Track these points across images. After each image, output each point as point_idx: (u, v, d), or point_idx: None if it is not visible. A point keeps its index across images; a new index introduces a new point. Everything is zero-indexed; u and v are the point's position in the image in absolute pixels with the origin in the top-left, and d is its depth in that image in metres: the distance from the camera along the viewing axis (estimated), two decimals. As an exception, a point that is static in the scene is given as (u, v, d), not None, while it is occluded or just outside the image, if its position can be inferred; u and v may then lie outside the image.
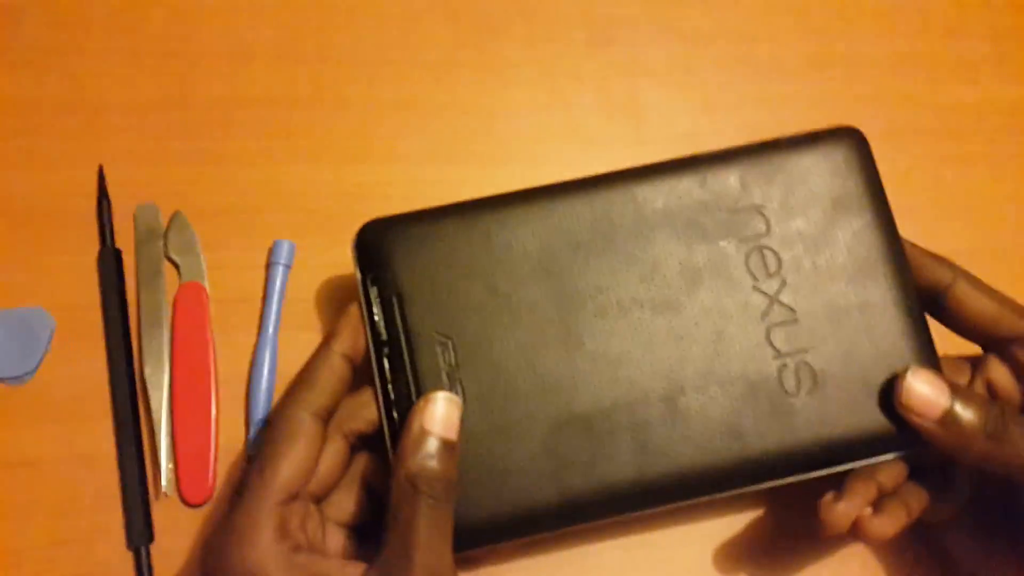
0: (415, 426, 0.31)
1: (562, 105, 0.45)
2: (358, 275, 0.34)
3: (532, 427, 0.33)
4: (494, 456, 0.33)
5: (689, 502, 0.34)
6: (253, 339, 0.40)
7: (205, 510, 0.38)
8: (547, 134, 0.45)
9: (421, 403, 0.32)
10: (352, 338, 0.34)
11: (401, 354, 0.33)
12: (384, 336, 0.34)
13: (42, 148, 0.42)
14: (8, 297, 0.40)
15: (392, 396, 0.33)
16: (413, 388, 0.33)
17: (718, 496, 0.34)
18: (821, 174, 0.36)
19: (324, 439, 0.32)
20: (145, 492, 0.38)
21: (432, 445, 0.31)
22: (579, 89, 0.45)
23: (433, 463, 0.31)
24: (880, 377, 0.34)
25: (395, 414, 0.33)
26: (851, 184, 0.36)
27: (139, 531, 0.37)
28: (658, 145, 0.45)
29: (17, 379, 0.39)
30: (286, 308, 0.41)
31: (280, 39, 0.45)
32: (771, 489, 0.34)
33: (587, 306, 0.34)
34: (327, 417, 0.33)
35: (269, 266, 0.41)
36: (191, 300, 0.40)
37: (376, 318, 0.34)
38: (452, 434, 0.32)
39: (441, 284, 0.34)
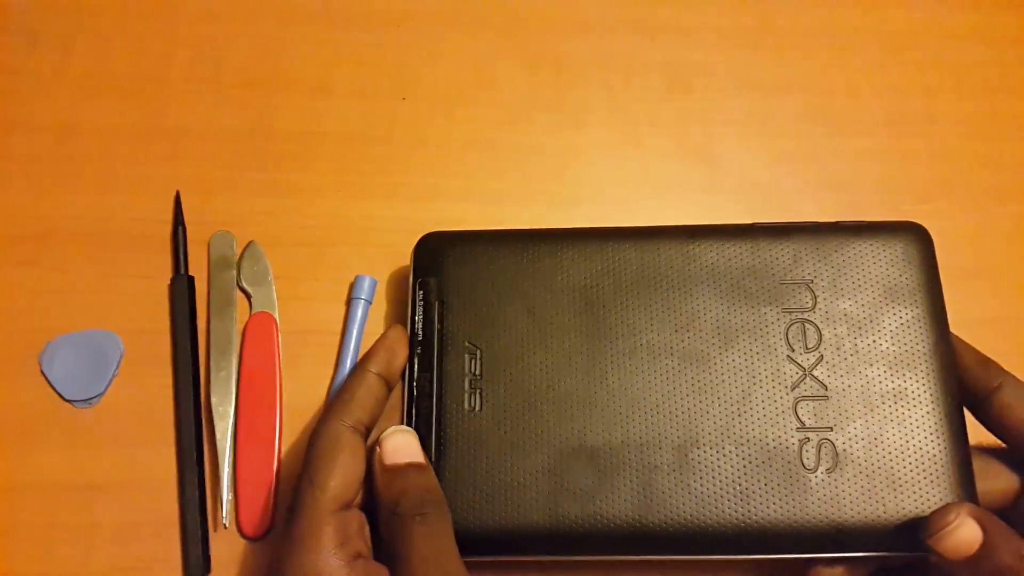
0: (377, 467, 0.32)
1: (636, 150, 0.45)
2: (411, 278, 0.37)
3: (541, 447, 0.34)
4: (497, 469, 0.34)
5: (681, 557, 0.34)
6: (321, 371, 0.40)
7: (264, 543, 0.37)
8: (620, 178, 0.44)
9: (378, 449, 0.33)
10: (386, 359, 0.35)
11: (432, 355, 0.35)
12: (420, 336, 0.36)
13: (122, 173, 0.43)
14: (80, 319, 0.40)
15: (415, 393, 0.35)
16: (435, 387, 0.35)
17: (712, 558, 0.34)
18: (878, 262, 0.36)
19: (364, 451, 0.33)
20: (204, 522, 0.37)
21: (402, 473, 0.32)
22: (654, 134, 0.45)
23: (410, 486, 0.32)
24: (906, 470, 0.33)
25: (414, 409, 0.35)
26: (907, 276, 0.36)
27: (196, 562, 0.37)
28: (731, 194, 0.44)
29: (85, 402, 0.39)
30: (356, 343, 0.41)
31: (360, 76, 0.45)
32: (766, 562, 0.34)
33: (618, 344, 0.35)
34: (364, 432, 0.34)
35: (350, 300, 0.41)
36: (261, 330, 0.40)
37: (417, 318, 0.36)
38: (418, 458, 0.33)
39: (482, 299, 0.36)
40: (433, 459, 0.34)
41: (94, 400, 0.39)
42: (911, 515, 0.32)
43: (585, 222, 0.42)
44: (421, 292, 0.36)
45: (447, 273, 0.37)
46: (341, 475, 0.32)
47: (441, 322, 0.36)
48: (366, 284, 0.41)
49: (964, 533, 0.30)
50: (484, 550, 0.33)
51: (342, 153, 0.44)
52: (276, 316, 0.40)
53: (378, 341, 0.35)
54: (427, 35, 0.47)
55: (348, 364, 0.40)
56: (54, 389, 0.39)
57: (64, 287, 0.41)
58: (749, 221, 0.40)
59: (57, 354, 0.39)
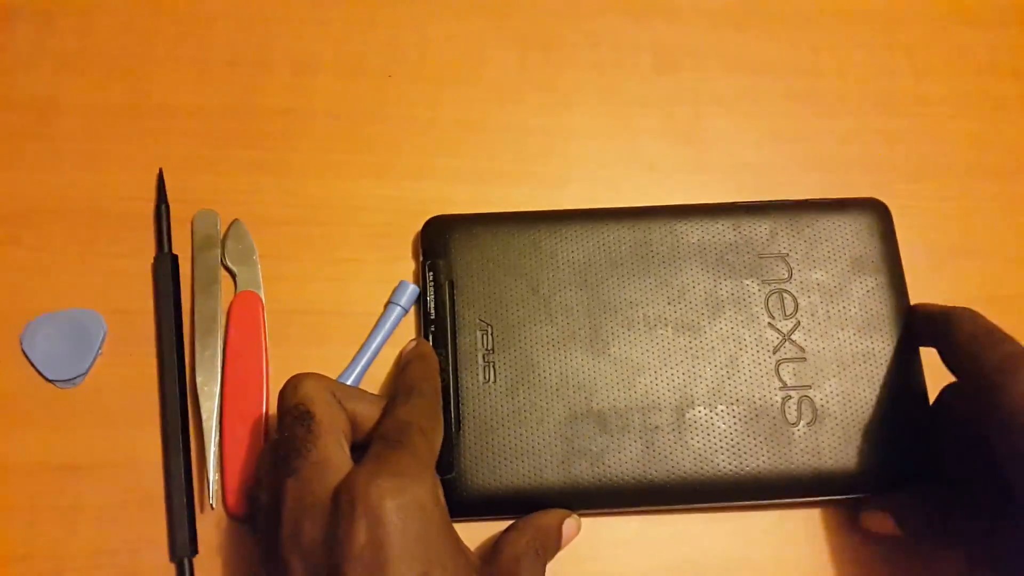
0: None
1: (625, 130, 0.45)
2: (420, 259, 0.40)
3: (551, 414, 0.37)
4: (512, 435, 0.36)
5: (682, 506, 0.37)
6: (308, 351, 0.39)
7: (251, 523, 0.37)
8: (609, 158, 0.44)
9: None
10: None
11: (445, 332, 0.38)
12: (433, 315, 0.38)
13: (104, 151, 0.42)
14: (63, 298, 0.40)
15: None
16: (451, 362, 0.37)
17: (710, 506, 0.37)
18: (845, 235, 0.40)
19: None
20: (191, 502, 0.37)
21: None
22: (643, 114, 0.45)
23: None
24: (875, 422, 0.37)
25: None
26: (871, 248, 0.40)
27: (183, 543, 0.36)
28: (720, 173, 0.44)
29: (68, 382, 0.38)
30: (341, 319, 0.40)
31: (346, 54, 0.45)
32: (759, 507, 0.38)
33: (617, 317, 0.38)
34: None
35: (388, 304, 0.40)
36: (246, 310, 0.40)
37: (429, 298, 0.38)
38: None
39: (489, 278, 0.39)
40: (453, 429, 0.36)
41: (77, 380, 0.39)
42: (881, 460, 0.37)
43: (575, 202, 0.42)
44: (431, 273, 0.39)
45: (454, 254, 0.39)
46: (441, 438, 0.34)
47: (452, 301, 0.38)
48: (408, 292, 0.40)
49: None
50: (503, 510, 0.36)
51: (328, 132, 0.43)
52: (262, 295, 0.40)
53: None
54: (416, 14, 0.46)
55: (364, 361, 0.39)
56: (36, 369, 0.39)
57: (46, 266, 0.40)
58: (737, 201, 0.41)
59: (39, 334, 0.39)
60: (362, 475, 0.29)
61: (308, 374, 0.33)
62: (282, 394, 0.32)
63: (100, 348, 0.39)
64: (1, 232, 0.41)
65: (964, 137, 0.46)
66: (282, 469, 0.30)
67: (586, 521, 0.37)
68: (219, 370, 0.39)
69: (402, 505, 0.28)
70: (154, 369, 0.39)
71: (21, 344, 0.39)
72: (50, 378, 0.38)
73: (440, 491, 0.31)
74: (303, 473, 0.30)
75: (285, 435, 0.31)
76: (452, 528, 0.31)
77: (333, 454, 0.30)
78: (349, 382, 0.39)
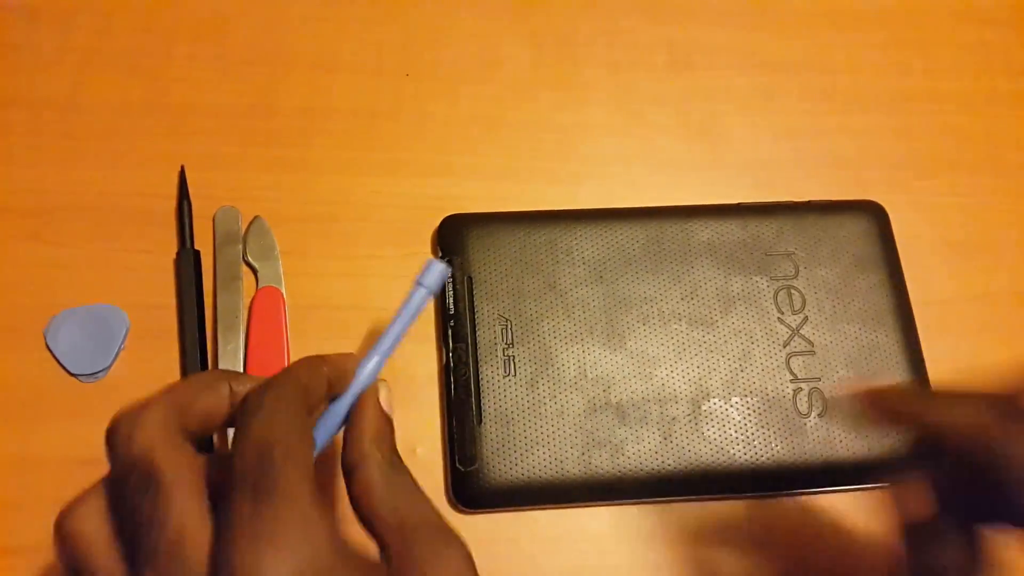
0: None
1: (640, 127, 0.45)
2: (438, 256, 0.40)
3: (571, 406, 0.38)
4: (533, 427, 0.37)
5: (697, 499, 0.38)
6: (329, 346, 0.39)
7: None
8: (624, 155, 0.45)
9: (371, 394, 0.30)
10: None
11: (465, 327, 0.39)
12: (452, 311, 0.39)
13: (126, 149, 0.43)
14: (86, 294, 0.40)
15: (452, 363, 0.38)
16: (471, 355, 0.38)
17: (724, 498, 0.38)
18: (847, 235, 0.41)
19: None
20: (213, 496, 0.37)
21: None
22: (658, 112, 0.45)
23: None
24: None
25: (452, 377, 0.38)
26: (871, 246, 0.41)
27: (205, 535, 0.37)
28: (736, 170, 0.45)
29: (91, 376, 0.39)
30: (360, 314, 0.40)
31: (364, 53, 0.45)
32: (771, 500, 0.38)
33: (633, 312, 0.39)
34: None
35: (414, 284, 0.38)
36: (268, 305, 0.40)
37: (448, 293, 0.39)
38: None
39: (507, 274, 0.40)
40: (475, 421, 0.37)
41: (100, 374, 0.39)
42: (891, 450, 0.37)
43: (589, 199, 0.43)
44: (449, 269, 0.37)
45: (472, 251, 0.40)
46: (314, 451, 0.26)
47: (471, 296, 0.39)
48: (437, 271, 0.33)
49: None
50: (525, 501, 0.37)
51: (347, 129, 0.44)
52: (283, 290, 0.40)
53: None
54: (432, 12, 0.47)
55: (386, 346, 0.36)
56: (60, 363, 0.39)
57: (69, 262, 0.41)
58: (752, 199, 0.43)
59: (62, 328, 0.39)
60: (234, 550, 0.22)
61: (140, 409, 0.26)
62: (111, 440, 0.26)
63: (123, 343, 0.39)
64: (25, 228, 0.41)
65: (977, 134, 0.46)
66: (133, 552, 0.24)
67: (605, 514, 0.38)
68: (241, 364, 0.39)
69: (293, 571, 0.22)
70: (176, 363, 0.39)
71: (45, 338, 0.39)
72: (73, 372, 0.39)
73: (331, 527, 0.23)
74: (159, 560, 0.23)
75: (128, 507, 0.25)
76: (356, 561, 0.24)
77: (190, 523, 0.23)
78: (370, 366, 0.32)
